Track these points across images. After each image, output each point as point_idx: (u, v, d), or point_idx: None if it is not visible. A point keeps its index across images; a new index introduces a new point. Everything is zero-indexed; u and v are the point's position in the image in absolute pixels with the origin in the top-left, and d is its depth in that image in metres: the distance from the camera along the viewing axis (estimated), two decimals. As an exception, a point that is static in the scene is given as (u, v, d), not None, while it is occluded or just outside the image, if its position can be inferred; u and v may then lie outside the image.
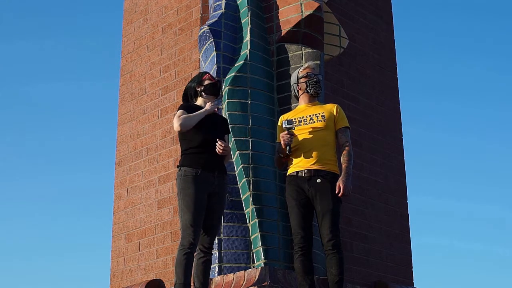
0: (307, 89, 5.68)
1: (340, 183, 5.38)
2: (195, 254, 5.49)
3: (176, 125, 5.55)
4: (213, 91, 5.79)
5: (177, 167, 5.63)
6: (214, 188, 5.53)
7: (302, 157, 5.48)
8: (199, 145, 5.57)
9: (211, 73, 7.13)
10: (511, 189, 18.65)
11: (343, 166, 5.48)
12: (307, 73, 5.70)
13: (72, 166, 18.67)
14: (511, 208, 18.39)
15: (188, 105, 5.76)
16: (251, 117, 6.88)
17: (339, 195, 5.38)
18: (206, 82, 5.78)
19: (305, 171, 5.44)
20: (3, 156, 18.76)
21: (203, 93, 5.78)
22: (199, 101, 5.81)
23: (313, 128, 5.52)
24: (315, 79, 5.68)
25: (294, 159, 5.52)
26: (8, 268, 17.25)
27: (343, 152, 5.53)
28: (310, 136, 5.51)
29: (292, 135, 5.46)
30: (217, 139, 5.55)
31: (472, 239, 18.45)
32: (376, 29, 9.02)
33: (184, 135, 5.63)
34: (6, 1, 19.68)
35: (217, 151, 5.52)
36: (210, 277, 6.31)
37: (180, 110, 5.64)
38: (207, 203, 5.50)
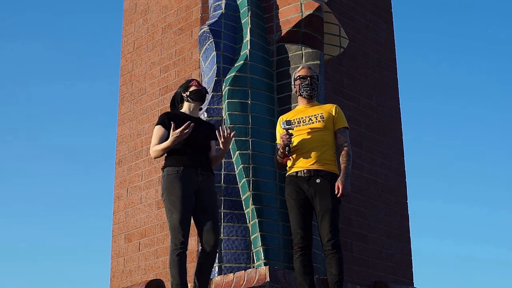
0: (300, 92, 5.70)
1: (339, 184, 5.38)
2: (198, 252, 5.49)
3: (150, 152, 5.72)
4: (199, 97, 5.86)
5: (161, 169, 5.67)
6: (199, 185, 5.53)
7: (301, 158, 5.49)
8: (182, 146, 5.59)
9: (210, 74, 7.15)
10: (511, 190, 18.65)
11: (342, 166, 5.48)
12: (299, 75, 5.72)
13: (72, 166, 18.68)
14: (511, 209, 18.39)
15: (168, 115, 5.79)
16: (251, 117, 6.88)
17: (338, 195, 5.38)
18: (192, 88, 5.85)
19: (305, 171, 5.45)
20: (3, 156, 18.77)
21: (189, 98, 5.84)
22: (185, 107, 5.87)
23: (312, 128, 5.53)
24: (307, 82, 5.67)
25: (293, 160, 5.52)
26: (8, 269, 17.26)
27: (342, 153, 5.53)
28: (309, 136, 5.51)
29: (291, 135, 5.46)
30: (221, 128, 5.64)
31: (472, 240, 18.44)
32: (376, 29, 9.02)
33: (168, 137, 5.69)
34: (5, 1, 19.70)
35: (221, 135, 5.61)
36: (210, 277, 6.31)
37: (157, 127, 5.70)
38: (197, 202, 5.50)
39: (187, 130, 5.48)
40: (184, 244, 5.36)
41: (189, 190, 5.48)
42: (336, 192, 5.38)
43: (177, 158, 5.56)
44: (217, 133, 5.67)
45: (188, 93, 5.85)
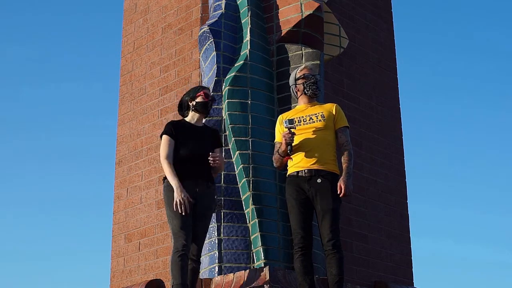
0: (305, 90, 5.69)
1: (341, 183, 5.38)
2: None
3: (161, 161, 5.73)
4: (204, 109, 5.88)
5: (163, 179, 5.73)
6: (197, 196, 5.58)
7: (302, 157, 5.48)
8: (185, 158, 5.67)
9: (210, 74, 7.15)
10: (511, 190, 18.65)
11: (344, 166, 5.47)
12: (304, 74, 5.70)
13: (72, 166, 18.68)
14: (511, 209, 18.39)
15: (173, 124, 5.82)
16: (251, 117, 6.88)
17: (340, 195, 5.37)
18: (199, 100, 5.86)
19: (306, 171, 5.44)
20: (3, 156, 18.77)
21: (194, 108, 5.87)
22: (189, 116, 5.91)
23: (313, 128, 5.52)
24: (312, 80, 5.68)
25: (294, 159, 5.52)
26: (8, 269, 17.26)
27: (344, 152, 5.53)
28: (310, 136, 5.50)
29: (293, 134, 5.45)
30: (210, 153, 5.65)
31: (472, 240, 18.44)
32: (376, 29, 9.02)
33: (175, 150, 5.72)
34: (5, 2, 19.69)
35: (211, 164, 5.64)
36: (210, 277, 6.33)
37: (165, 136, 5.73)
38: (192, 210, 5.54)
39: (184, 205, 5.50)
40: (186, 247, 5.43)
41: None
42: (338, 192, 5.37)
43: (178, 170, 5.62)
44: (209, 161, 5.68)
45: (194, 103, 5.86)
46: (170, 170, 5.63)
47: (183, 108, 5.98)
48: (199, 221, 5.59)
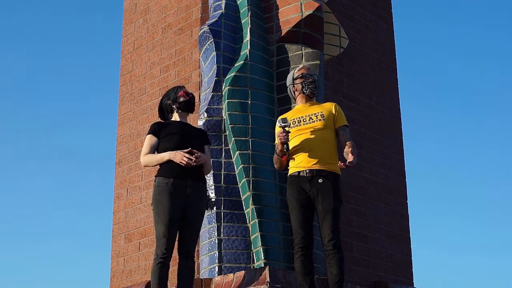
0: (303, 90, 5.68)
1: (350, 153, 5.28)
2: (178, 262, 5.55)
3: (141, 160, 5.81)
4: (188, 108, 5.86)
5: (154, 176, 5.69)
6: (188, 197, 5.53)
7: (303, 157, 5.47)
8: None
9: (210, 74, 7.15)
10: (511, 190, 18.66)
11: (348, 149, 5.37)
12: (302, 73, 5.70)
13: (72, 166, 18.68)
14: (511, 208, 18.40)
15: (159, 125, 5.81)
16: (251, 117, 6.88)
17: (347, 162, 5.28)
18: (181, 99, 5.83)
19: (307, 171, 5.43)
20: (3, 156, 18.78)
21: (179, 109, 5.84)
22: (174, 117, 5.89)
23: (313, 128, 5.52)
24: (310, 79, 5.68)
25: (295, 159, 5.51)
26: (8, 269, 17.26)
27: (347, 143, 5.45)
28: (311, 136, 5.50)
29: (288, 133, 5.45)
30: (189, 150, 5.59)
31: (472, 240, 18.46)
32: (376, 29, 9.03)
33: (160, 146, 5.70)
34: (5, 2, 19.70)
35: (189, 162, 5.54)
36: (210, 277, 6.33)
37: (149, 136, 5.75)
38: (183, 212, 5.51)
39: (189, 161, 5.51)
40: (165, 255, 5.40)
41: (177, 203, 5.49)
42: (347, 161, 5.27)
43: (168, 168, 5.57)
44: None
45: (177, 104, 5.84)
46: (152, 155, 5.64)
47: (165, 112, 5.96)
48: (189, 226, 5.54)
